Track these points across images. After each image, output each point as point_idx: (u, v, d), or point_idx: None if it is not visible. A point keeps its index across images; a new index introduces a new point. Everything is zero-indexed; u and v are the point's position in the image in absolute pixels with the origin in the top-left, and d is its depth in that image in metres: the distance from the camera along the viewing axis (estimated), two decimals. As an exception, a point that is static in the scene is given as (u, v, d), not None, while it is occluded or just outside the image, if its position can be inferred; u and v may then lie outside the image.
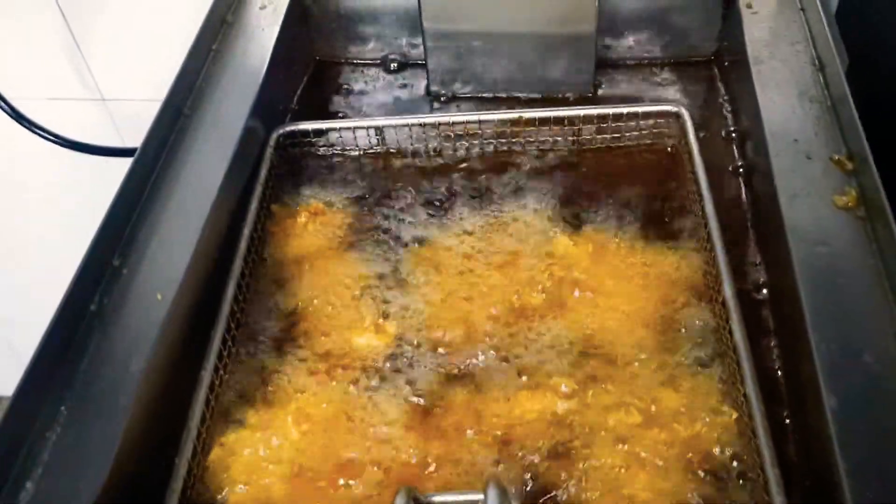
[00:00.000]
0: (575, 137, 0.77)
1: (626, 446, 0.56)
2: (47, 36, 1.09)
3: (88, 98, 1.17)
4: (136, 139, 0.69)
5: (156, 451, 0.56)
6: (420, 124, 0.78)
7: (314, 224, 0.72)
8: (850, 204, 0.61)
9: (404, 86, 0.88)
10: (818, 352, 0.53)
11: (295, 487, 0.55)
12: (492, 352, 0.62)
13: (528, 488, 0.55)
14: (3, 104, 1.01)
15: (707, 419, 0.57)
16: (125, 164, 0.66)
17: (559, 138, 0.77)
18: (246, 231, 0.69)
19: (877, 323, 0.55)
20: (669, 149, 0.76)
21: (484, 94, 0.85)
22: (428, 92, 0.86)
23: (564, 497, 0.54)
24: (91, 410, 0.54)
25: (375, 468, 0.56)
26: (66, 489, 0.50)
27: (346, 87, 0.89)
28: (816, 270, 0.58)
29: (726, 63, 0.84)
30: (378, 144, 0.79)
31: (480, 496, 0.47)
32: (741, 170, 0.75)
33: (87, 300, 0.59)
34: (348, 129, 0.78)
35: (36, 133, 1.03)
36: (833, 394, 0.51)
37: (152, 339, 0.57)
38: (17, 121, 1.02)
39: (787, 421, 0.57)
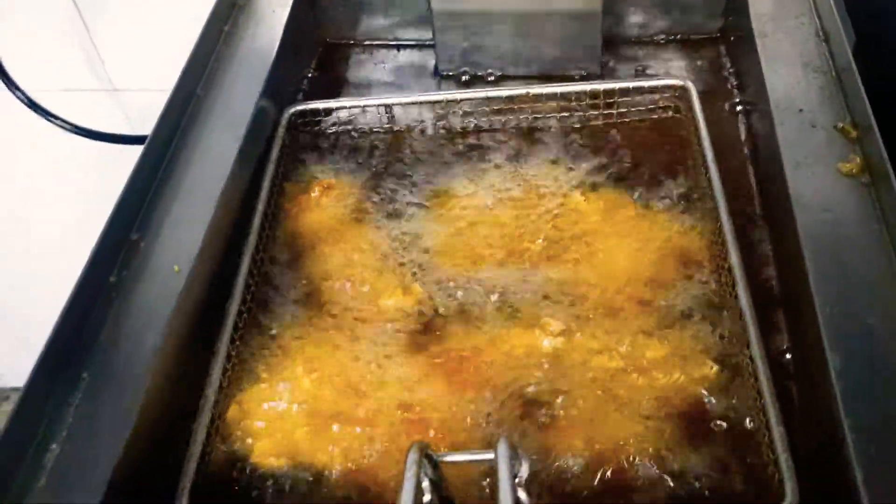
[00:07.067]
0: (583, 112, 0.78)
1: (606, 390, 0.58)
2: (60, 28, 1.11)
3: (100, 89, 1.18)
4: (146, 129, 0.69)
5: (174, 416, 0.57)
6: (429, 102, 0.79)
7: (327, 198, 0.73)
8: (854, 171, 0.62)
9: (413, 65, 0.88)
10: (822, 314, 0.54)
11: (309, 437, 0.57)
12: (497, 297, 0.64)
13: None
14: (19, 93, 1.03)
15: (695, 373, 0.59)
16: (139, 151, 0.67)
17: (567, 113, 0.78)
18: (260, 207, 0.70)
19: (881, 287, 0.55)
20: (676, 121, 0.76)
21: (492, 73, 0.86)
22: (436, 71, 0.87)
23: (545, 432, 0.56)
24: (111, 377, 0.55)
25: (387, 411, 0.58)
26: (90, 450, 0.51)
27: (355, 67, 0.89)
28: (821, 236, 0.58)
29: (732, 38, 0.85)
30: (388, 122, 0.80)
31: (491, 455, 0.48)
32: (746, 140, 0.75)
33: (107, 272, 0.60)
34: (358, 107, 0.79)
35: (52, 122, 1.05)
36: (837, 354, 0.52)
37: (169, 310, 0.58)
38: (32, 109, 1.04)
39: (792, 381, 0.58)
